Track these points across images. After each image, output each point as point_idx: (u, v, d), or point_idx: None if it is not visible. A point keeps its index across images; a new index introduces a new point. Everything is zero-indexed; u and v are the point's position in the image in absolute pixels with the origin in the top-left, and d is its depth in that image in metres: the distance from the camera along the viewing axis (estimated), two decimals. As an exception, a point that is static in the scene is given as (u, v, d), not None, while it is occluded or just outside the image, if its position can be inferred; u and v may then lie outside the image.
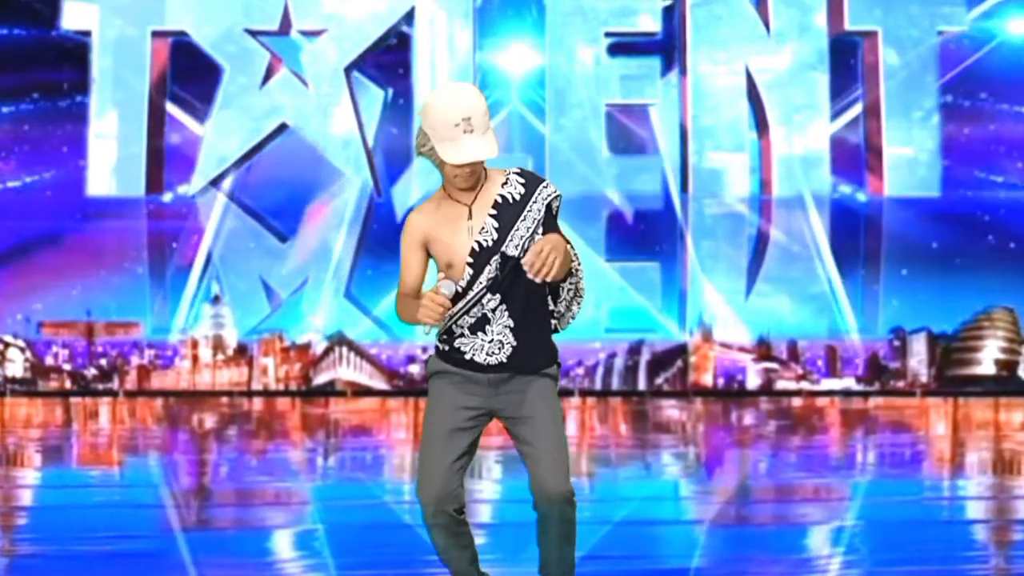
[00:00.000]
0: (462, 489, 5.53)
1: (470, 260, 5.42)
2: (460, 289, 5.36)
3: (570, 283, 5.53)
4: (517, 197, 5.48)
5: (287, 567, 7.13)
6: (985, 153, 17.38)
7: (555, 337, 5.62)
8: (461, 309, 5.43)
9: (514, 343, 5.47)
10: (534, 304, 5.49)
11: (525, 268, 5.28)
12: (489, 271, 5.41)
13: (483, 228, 5.43)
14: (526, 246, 5.41)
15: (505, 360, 5.47)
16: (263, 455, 12.08)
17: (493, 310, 5.44)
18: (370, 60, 17.41)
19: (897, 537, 8.01)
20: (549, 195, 5.51)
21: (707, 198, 17.35)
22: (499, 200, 5.47)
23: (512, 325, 5.46)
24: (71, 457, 12.20)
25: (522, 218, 5.46)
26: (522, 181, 5.52)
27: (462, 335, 5.49)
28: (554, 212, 5.52)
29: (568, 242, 5.41)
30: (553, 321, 5.60)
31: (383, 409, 15.98)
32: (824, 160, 17.36)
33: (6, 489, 10.18)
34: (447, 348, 5.53)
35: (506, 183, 5.51)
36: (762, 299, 17.28)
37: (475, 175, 5.43)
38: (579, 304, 5.60)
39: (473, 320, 5.46)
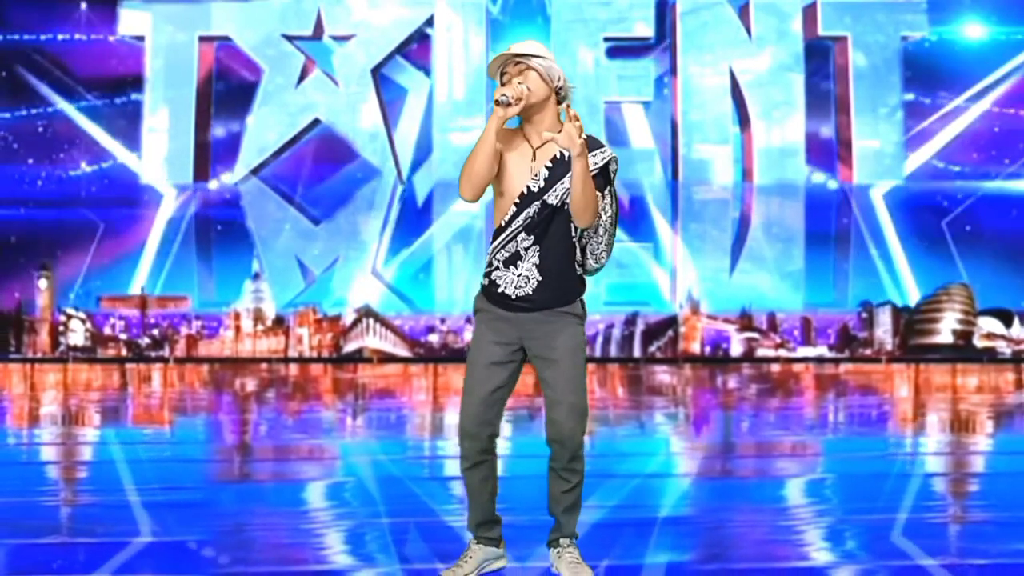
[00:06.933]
0: (499, 418, 5.56)
1: (517, 200, 5.45)
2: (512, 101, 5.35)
3: (594, 223, 5.49)
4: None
5: (320, 515, 7.11)
6: (943, 145, 17.32)
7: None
8: (500, 243, 5.47)
9: (540, 278, 5.48)
10: (562, 248, 5.50)
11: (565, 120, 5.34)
12: (528, 213, 5.42)
13: (536, 175, 5.46)
14: (565, 199, 5.41)
15: (531, 292, 5.47)
16: (298, 415, 12.06)
17: (526, 249, 5.47)
18: (394, 61, 17.36)
19: (865, 489, 7.98)
20: (605, 158, 5.52)
21: (695, 186, 17.30)
22: (557, 156, 5.49)
23: (539, 263, 5.47)
24: (127, 417, 12.19)
25: (570, 174, 5.42)
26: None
27: (497, 268, 5.51)
28: (611, 174, 5.52)
29: (614, 197, 5.49)
30: (580, 264, 5.58)
31: (406, 374, 15.95)
32: (800, 151, 17.30)
33: (69, 445, 10.17)
34: (487, 282, 5.56)
35: None
36: (744, 276, 17.24)
37: (525, 78, 5.41)
38: (601, 243, 5.54)
39: (508, 255, 5.48)
